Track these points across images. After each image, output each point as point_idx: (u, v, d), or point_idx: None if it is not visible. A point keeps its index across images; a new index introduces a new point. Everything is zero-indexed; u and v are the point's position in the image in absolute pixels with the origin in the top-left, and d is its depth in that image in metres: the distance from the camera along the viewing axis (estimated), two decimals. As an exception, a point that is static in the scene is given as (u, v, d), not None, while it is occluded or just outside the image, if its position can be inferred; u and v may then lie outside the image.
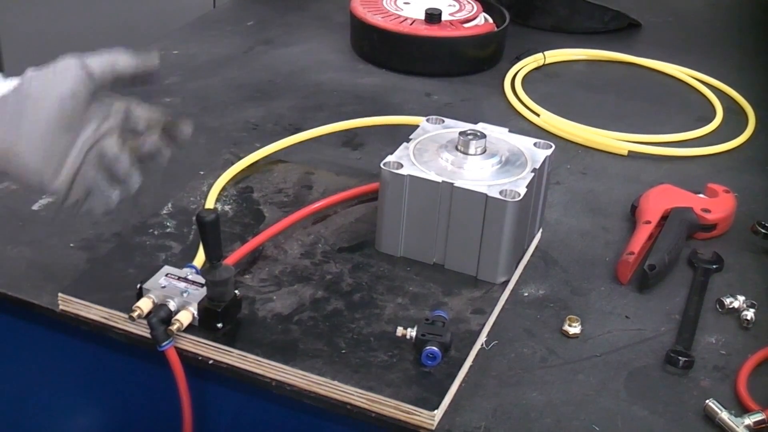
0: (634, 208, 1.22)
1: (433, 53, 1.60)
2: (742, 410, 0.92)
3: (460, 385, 0.94)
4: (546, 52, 1.67)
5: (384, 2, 1.66)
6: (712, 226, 1.19)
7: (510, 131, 1.15)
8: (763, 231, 1.17)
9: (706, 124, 1.48)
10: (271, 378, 0.93)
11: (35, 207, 1.16)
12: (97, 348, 1.04)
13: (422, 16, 1.61)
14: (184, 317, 0.94)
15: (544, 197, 1.14)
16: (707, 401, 0.92)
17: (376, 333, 0.97)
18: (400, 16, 1.62)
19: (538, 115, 1.47)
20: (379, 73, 1.60)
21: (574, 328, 1.02)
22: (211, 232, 0.91)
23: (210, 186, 1.19)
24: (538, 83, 1.60)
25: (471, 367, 0.96)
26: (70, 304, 0.99)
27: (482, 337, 1.00)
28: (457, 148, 1.08)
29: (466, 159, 1.07)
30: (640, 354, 1.00)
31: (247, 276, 1.04)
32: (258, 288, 1.02)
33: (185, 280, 0.96)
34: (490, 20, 1.67)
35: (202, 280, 0.95)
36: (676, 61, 1.69)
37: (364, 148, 1.36)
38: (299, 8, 1.87)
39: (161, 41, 1.68)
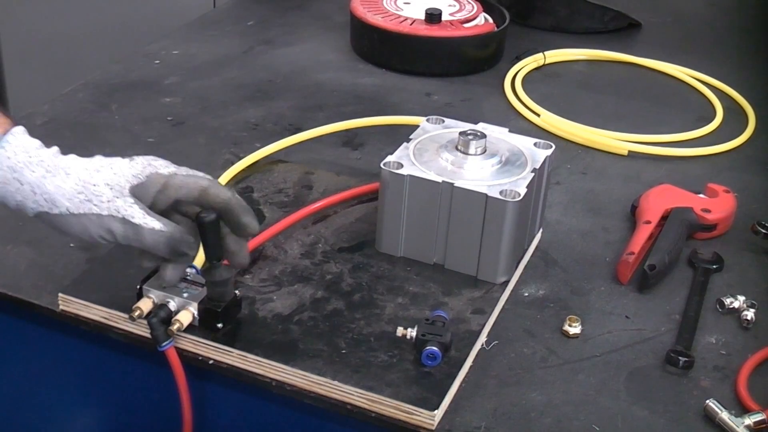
0: (634, 208, 1.22)
1: (433, 53, 1.60)
2: (742, 410, 0.92)
3: (460, 385, 0.94)
4: (546, 52, 1.67)
5: (384, 2, 1.66)
6: (712, 226, 1.19)
7: (510, 131, 1.15)
8: (763, 231, 1.17)
9: (706, 124, 1.48)
10: (271, 378, 0.93)
11: (35, 207, 1.16)
12: (97, 348, 1.04)
13: (422, 16, 1.61)
14: (185, 317, 0.94)
15: (544, 197, 1.14)
16: (707, 401, 0.92)
17: (376, 333, 0.97)
18: (400, 16, 1.62)
19: (538, 115, 1.47)
20: (379, 73, 1.60)
21: (574, 328, 1.02)
22: (211, 232, 0.91)
23: (210, 186, 1.19)
24: (538, 83, 1.60)
25: (471, 367, 0.96)
26: (70, 304, 0.99)
27: (482, 337, 1.00)
28: (457, 148, 1.08)
29: (466, 159, 1.07)
30: (640, 354, 1.00)
31: (247, 276, 1.04)
32: (258, 288, 1.02)
33: (185, 280, 0.96)
34: (490, 20, 1.67)
35: (202, 280, 0.95)
36: (676, 61, 1.69)
37: (364, 148, 1.36)
38: (299, 8, 1.87)
39: (161, 41, 1.68)
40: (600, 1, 1.82)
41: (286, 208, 1.16)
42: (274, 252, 1.09)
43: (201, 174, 0.93)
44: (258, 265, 1.06)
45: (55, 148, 0.90)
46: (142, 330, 0.96)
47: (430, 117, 1.17)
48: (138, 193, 0.88)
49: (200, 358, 0.95)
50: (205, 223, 0.90)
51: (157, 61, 1.60)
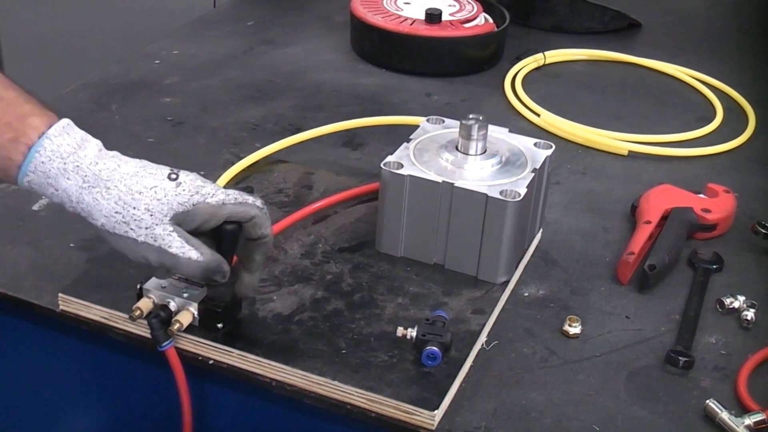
0: (634, 208, 1.22)
1: (433, 53, 1.60)
2: (742, 410, 0.92)
3: (460, 385, 0.94)
4: (546, 52, 1.67)
5: (384, 2, 1.66)
6: (712, 226, 1.19)
7: (510, 131, 1.15)
8: (763, 231, 1.17)
9: (706, 124, 1.48)
10: (271, 378, 0.93)
11: (35, 207, 1.16)
12: (97, 348, 1.04)
13: (422, 16, 1.61)
14: (185, 317, 0.94)
15: (544, 197, 1.14)
16: (707, 401, 0.92)
17: (376, 333, 0.97)
18: (400, 16, 1.62)
19: (538, 115, 1.47)
20: (379, 73, 1.60)
21: (574, 328, 1.02)
22: (227, 241, 0.91)
23: (210, 186, 1.19)
24: (538, 83, 1.60)
25: (471, 367, 0.96)
26: (70, 304, 0.99)
27: (482, 337, 1.00)
28: (457, 148, 1.08)
29: (466, 159, 1.07)
30: (640, 354, 1.00)
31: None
32: (258, 288, 1.02)
33: (185, 280, 0.96)
34: (490, 20, 1.67)
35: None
36: (676, 61, 1.69)
37: (364, 148, 1.36)
38: (299, 8, 1.87)
39: (161, 41, 1.68)
40: (600, 1, 1.82)
41: (286, 208, 1.16)
42: (274, 252, 1.08)
43: (251, 199, 0.90)
44: (258, 265, 1.06)
45: (95, 148, 0.87)
46: (142, 330, 0.96)
47: (430, 117, 1.17)
48: (182, 219, 0.86)
49: (200, 358, 0.95)
50: (226, 231, 0.90)
51: (157, 61, 1.60)
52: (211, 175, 1.22)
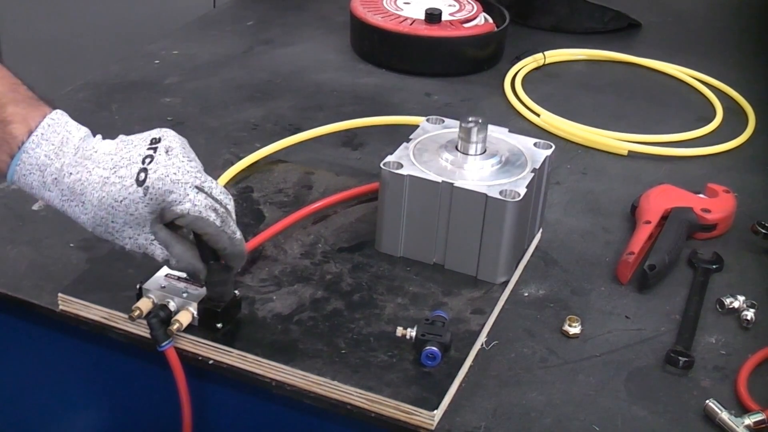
0: (634, 208, 1.22)
1: (433, 53, 1.60)
2: (742, 410, 0.92)
3: (460, 385, 0.94)
4: (546, 52, 1.67)
5: (384, 2, 1.66)
6: (712, 226, 1.19)
7: (510, 131, 1.15)
8: (763, 231, 1.17)
9: (706, 124, 1.48)
10: (271, 378, 0.93)
11: (35, 207, 1.16)
12: (97, 348, 1.04)
13: (422, 16, 1.61)
14: (184, 317, 0.94)
15: (544, 197, 1.14)
16: (707, 401, 0.92)
17: (375, 333, 0.97)
18: (400, 16, 1.62)
19: (538, 115, 1.47)
20: (379, 73, 1.60)
21: (574, 328, 1.02)
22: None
23: (210, 186, 1.19)
24: (538, 83, 1.60)
25: (471, 367, 0.96)
26: (70, 304, 0.99)
27: (482, 337, 1.00)
28: (457, 148, 1.08)
29: (466, 159, 1.07)
30: (640, 354, 1.00)
31: (247, 276, 1.04)
32: (258, 288, 1.02)
33: (185, 280, 0.96)
34: (490, 20, 1.67)
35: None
36: (676, 61, 1.69)
37: (364, 148, 1.36)
38: (299, 8, 1.87)
39: (161, 41, 1.68)
40: (600, 1, 1.82)
41: (286, 208, 1.16)
42: (273, 252, 1.08)
43: (212, 216, 0.88)
44: (258, 265, 1.06)
45: (71, 152, 0.86)
46: (141, 330, 0.96)
47: (430, 117, 1.17)
48: (158, 218, 0.88)
49: (200, 358, 0.95)
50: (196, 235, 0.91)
51: (157, 61, 1.60)
52: (212, 175, 1.21)
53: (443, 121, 1.16)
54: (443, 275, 1.07)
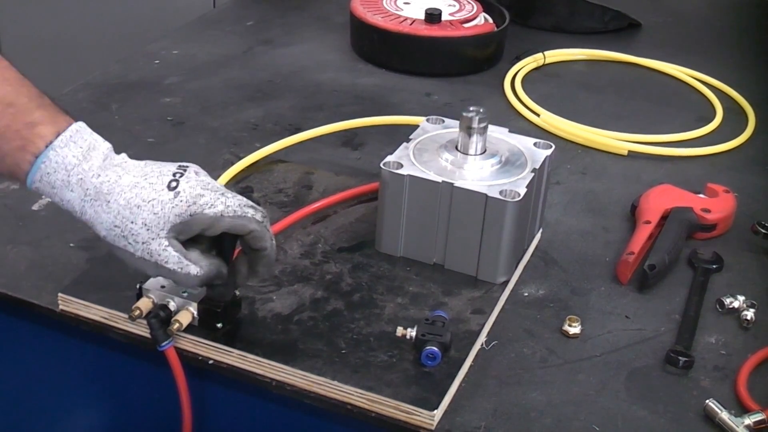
0: (634, 208, 1.22)
1: (433, 53, 1.60)
2: (742, 410, 0.92)
3: (460, 385, 0.94)
4: (546, 52, 1.67)
5: (384, 2, 1.66)
6: (712, 226, 1.19)
7: (510, 131, 1.15)
8: (763, 231, 1.17)
9: (706, 124, 1.48)
10: (271, 378, 0.93)
11: (35, 207, 1.16)
12: (97, 348, 1.04)
13: (422, 16, 1.61)
14: (184, 317, 0.94)
15: (544, 197, 1.14)
16: (707, 401, 0.92)
17: (375, 333, 0.97)
18: (400, 16, 1.62)
19: (538, 115, 1.47)
20: (379, 73, 1.60)
21: (574, 328, 1.02)
22: (226, 246, 0.91)
23: (210, 186, 1.19)
24: (538, 83, 1.60)
25: (471, 367, 0.96)
26: (70, 304, 0.99)
27: (482, 337, 1.00)
28: (457, 148, 1.08)
29: (466, 159, 1.07)
30: (640, 354, 1.00)
31: (247, 276, 1.04)
32: (258, 288, 1.02)
33: (185, 280, 0.96)
34: (490, 20, 1.67)
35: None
36: (676, 61, 1.69)
37: (364, 148, 1.36)
38: (299, 8, 1.87)
39: (161, 41, 1.68)
40: (600, 1, 1.82)
41: (286, 208, 1.16)
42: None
43: (251, 212, 0.89)
44: (258, 265, 1.06)
45: (100, 158, 0.86)
46: (141, 330, 0.96)
47: (430, 117, 1.17)
48: (180, 229, 0.86)
49: (200, 358, 0.95)
50: (227, 239, 0.90)
51: (157, 61, 1.60)
52: (212, 175, 1.21)
53: (443, 121, 1.16)
54: (443, 275, 1.07)
